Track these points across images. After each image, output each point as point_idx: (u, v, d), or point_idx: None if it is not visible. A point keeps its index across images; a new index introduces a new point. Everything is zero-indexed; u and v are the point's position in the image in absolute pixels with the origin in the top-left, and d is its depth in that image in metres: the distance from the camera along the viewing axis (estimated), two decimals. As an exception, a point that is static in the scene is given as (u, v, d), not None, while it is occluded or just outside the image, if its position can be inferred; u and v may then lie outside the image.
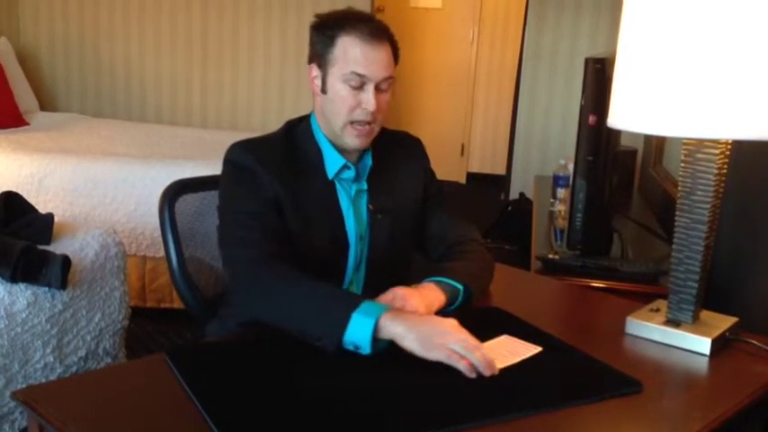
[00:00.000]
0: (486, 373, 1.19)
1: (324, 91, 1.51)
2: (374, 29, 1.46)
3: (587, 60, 2.07)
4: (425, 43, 6.21)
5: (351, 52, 1.45)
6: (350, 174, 1.55)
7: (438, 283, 1.45)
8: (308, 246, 1.50)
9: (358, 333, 1.24)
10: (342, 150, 1.54)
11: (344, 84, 1.46)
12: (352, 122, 1.48)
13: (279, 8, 4.53)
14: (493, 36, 6.17)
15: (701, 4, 1.20)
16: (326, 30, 1.49)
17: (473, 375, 1.19)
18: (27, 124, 4.00)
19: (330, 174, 1.54)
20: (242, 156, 1.50)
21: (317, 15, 1.52)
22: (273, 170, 1.48)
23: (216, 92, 4.71)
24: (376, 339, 1.24)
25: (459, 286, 1.46)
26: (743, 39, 1.19)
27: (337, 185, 1.55)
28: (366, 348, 1.24)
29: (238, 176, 1.50)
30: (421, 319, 1.27)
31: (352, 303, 1.27)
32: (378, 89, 1.47)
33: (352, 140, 1.50)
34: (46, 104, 4.69)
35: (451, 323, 1.26)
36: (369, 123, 1.49)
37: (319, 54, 1.50)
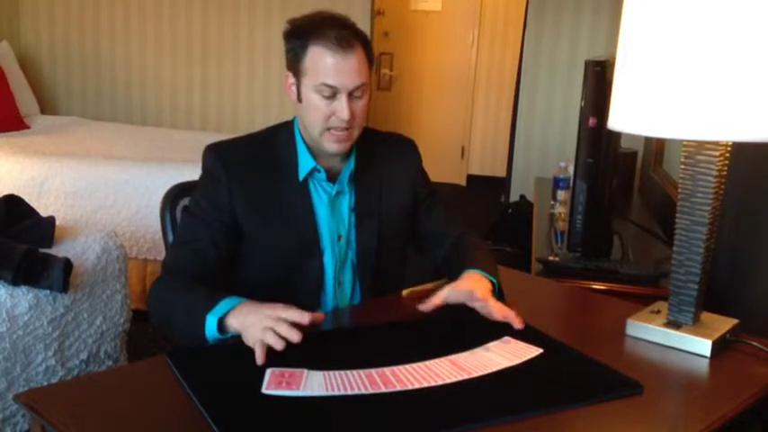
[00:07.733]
0: (278, 347, 1.18)
1: (299, 100, 1.52)
2: (343, 36, 1.44)
3: (587, 63, 2.07)
4: (425, 46, 6.21)
5: (321, 63, 1.44)
6: (320, 176, 1.56)
7: (481, 274, 1.49)
8: (273, 245, 1.53)
9: (212, 333, 1.28)
10: (319, 154, 1.55)
11: (317, 94, 1.47)
12: (329, 129, 1.49)
13: (279, 10, 4.53)
14: (493, 39, 6.18)
15: (701, 6, 1.21)
16: (297, 38, 1.48)
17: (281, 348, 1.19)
18: (28, 128, 4.01)
19: (300, 175, 1.55)
20: (207, 158, 1.56)
21: (289, 21, 1.50)
22: (237, 171, 1.53)
23: (216, 95, 4.72)
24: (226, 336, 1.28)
25: (495, 281, 1.50)
26: (742, 41, 1.19)
27: (312, 187, 1.56)
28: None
29: (202, 178, 1.57)
30: (247, 311, 1.27)
31: (210, 303, 1.29)
32: (351, 96, 1.47)
33: (331, 146, 1.50)
34: (46, 108, 4.70)
35: (266, 307, 1.25)
36: (346, 129, 1.49)
37: (293, 62, 1.50)
